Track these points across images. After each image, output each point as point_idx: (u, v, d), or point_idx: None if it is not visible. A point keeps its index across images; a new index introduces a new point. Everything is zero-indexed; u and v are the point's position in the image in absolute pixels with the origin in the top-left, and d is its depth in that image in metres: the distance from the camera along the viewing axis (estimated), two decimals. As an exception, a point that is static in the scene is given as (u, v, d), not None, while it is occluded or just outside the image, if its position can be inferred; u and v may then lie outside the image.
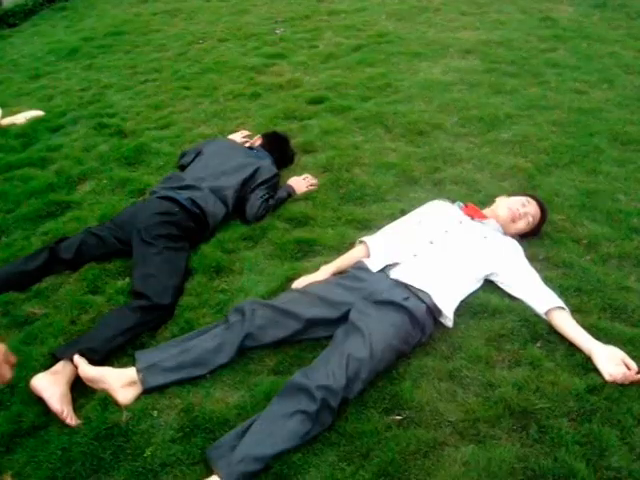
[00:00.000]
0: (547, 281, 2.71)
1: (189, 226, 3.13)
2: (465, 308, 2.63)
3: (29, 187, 3.84)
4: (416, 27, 6.19)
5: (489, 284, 2.77)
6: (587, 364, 2.34)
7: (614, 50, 5.34)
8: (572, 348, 2.42)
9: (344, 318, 2.49)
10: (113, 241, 3.13)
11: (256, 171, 3.47)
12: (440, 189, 3.50)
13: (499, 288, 2.75)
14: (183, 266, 2.98)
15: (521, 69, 5.02)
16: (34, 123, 4.77)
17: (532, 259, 2.84)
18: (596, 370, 2.31)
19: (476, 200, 3.27)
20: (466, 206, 3.02)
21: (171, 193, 3.24)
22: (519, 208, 2.96)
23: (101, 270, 3.06)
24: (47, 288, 2.99)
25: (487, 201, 3.23)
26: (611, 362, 2.31)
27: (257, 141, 3.84)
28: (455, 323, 2.55)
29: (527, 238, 3.01)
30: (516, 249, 2.85)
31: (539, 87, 4.71)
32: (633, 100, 4.46)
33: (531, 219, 2.97)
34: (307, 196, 3.44)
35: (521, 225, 2.95)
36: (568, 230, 3.12)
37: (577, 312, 2.57)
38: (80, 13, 7.97)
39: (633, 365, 2.29)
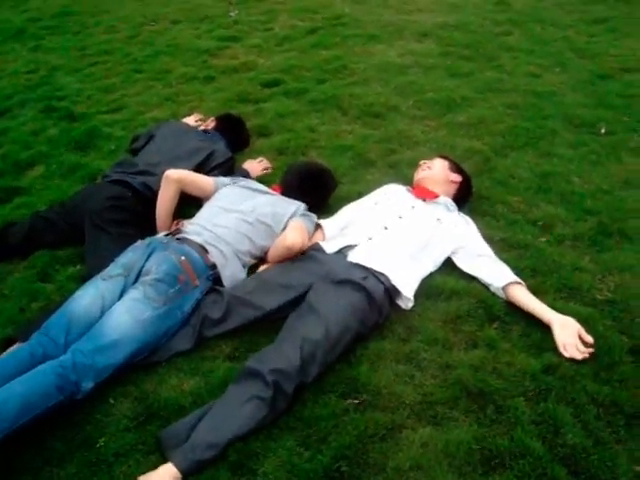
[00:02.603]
0: (504, 262, 2.72)
1: (141, 211, 3.06)
2: (422, 290, 2.62)
3: (-26, 174, 3.71)
4: (372, 9, 6.16)
5: (445, 266, 2.78)
6: (542, 344, 2.36)
7: (567, 34, 5.39)
8: (528, 329, 2.44)
9: (302, 297, 2.47)
10: (63, 225, 3.05)
11: (210, 155, 3.40)
12: (396, 171, 3.48)
13: (456, 269, 2.75)
14: None
15: (476, 52, 5.03)
16: (-22, 107, 4.61)
17: (489, 241, 2.84)
18: (551, 350, 2.32)
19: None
20: (414, 188, 3.03)
21: (124, 177, 3.15)
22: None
23: (51, 257, 2.99)
24: (-5, 276, 2.90)
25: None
26: (566, 331, 2.35)
27: (211, 124, 3.77)
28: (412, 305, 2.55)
29: (465, 201, 3.12)
30: (469, 227, 2.88)
31: (494, 70, 4.72)
32: (585, 84, 4.51)
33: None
34: (262, 179, 3.37)
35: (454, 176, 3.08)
36: (524, 212, 3.14)
37: (533, 293, 2.57)
38: (26, -8, 7.71)
39: (588, 338, 2.32)
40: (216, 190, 2.98)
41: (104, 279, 2.45)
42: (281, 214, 2.83)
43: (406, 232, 2.73)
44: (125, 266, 2.50)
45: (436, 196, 2.94)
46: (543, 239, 2.95)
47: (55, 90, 4.91)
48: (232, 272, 2.66)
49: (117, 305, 2.33)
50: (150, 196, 3.06)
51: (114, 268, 2.50)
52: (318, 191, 3.11)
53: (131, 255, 2.56)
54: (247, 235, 2.75)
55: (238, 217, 2.79)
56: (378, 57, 5.03)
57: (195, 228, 2.75)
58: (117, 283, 2.43)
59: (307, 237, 2.74)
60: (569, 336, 2.33)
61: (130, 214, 3.03)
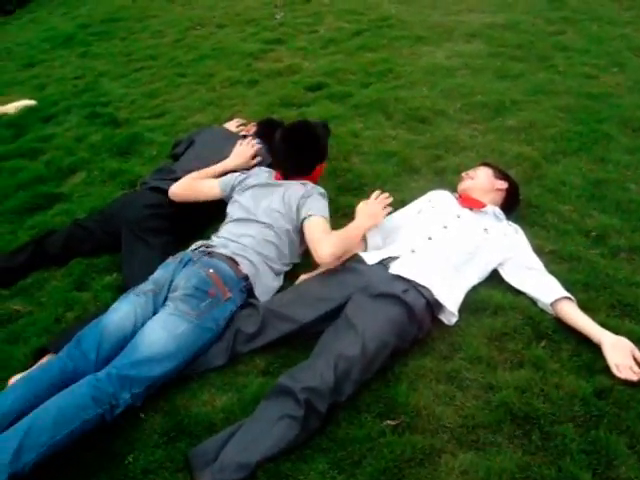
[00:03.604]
0: (553, 275, 2.59)
1: (180, 219, 3.02)
2: (466, 305, 2.50)
3: (17, 179, 3.76)
4: (419, 10, 6.01)
5: (491, 279, 2.64)
6: (594, 365, 2.22)
7: (625, 32, 5.15)
8: (579, 348, 2.30)
9: (340, 309, 2.38)
10: (101, 234, 3.04)
11: None
12: (442, 179, 3.35)
13: (502, 283, 2.62)
14: None
15: (528, 53, 4.83)
16: (26, 113, 4.70)
17: (538, 252, 2.71)
18: (603, 372, 2.18)
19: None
20: (460, 196, 2.91)
21: (163, 184, 3.12)
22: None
23: (88, 265, 2.98)
24: (32, 284, 2.91)
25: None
26: (619, 352, 2.20)
27: (252, 129, 3.71)
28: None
29: (513, 208, 2.96)
30: (518, 237, 2.73)
31: (546, 71, 4.53)
32: (644, 84, 4.28)
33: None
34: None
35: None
36: (576, 221, 2.98)
37: (585, 309, 2.43)
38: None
39: None
40: (222, 192, 2.96)
41: (137, 295, 2.41)
42: (291, 211, 2.73)
43: (451, 243, 2.61)
44: (156, 282, 2.46)
45: (483, 206, 2.81)
46: (596, 251, 2.79)
47: (100, 96, 4.96)
48: (265, 281, 2.61)
49: (150, 322, 2.28)
50: (186, 203, 3.02)
51: (146, 284, 2.47)
52: (308, 143, 2.95)
53: (162, 272, 2.52)
54: (273, 242, 2.68)
55: (260, 225, 2.73)
56: (425, 59, 4.89)
57: (221, 241, 2.69)
58: (149, 299, 2.39)
59: (326, 228, 2.62)
60: (623, 357, 2.19)
61: (168, 222, 3.00)
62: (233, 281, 2.49)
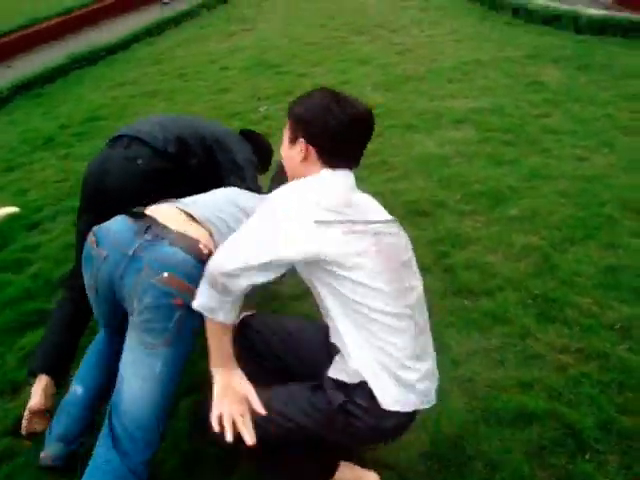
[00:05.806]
0: (584, 377, 2.48)
1: None
2: (498, 416, 2.34)
3: (4, 295, 3.51)
4: (404, 97, 5.99)
5: (520, 383, 2.49)
6: (647, 478, 2.05)
7: (608, 112, 5.17)
8: (627, 459, 2.14)
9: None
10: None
11: None
12: (452, 276, 3.21)
13: (531, 389, 2.46)
14: None
15: (517, 137, 4.81)
16: (9, 220, 4.47)
17: (563, 351, 2.60)
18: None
19: (493, 285, 3.04)
20: None
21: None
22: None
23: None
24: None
25: (504, 286, 3.01)
26: None
27: None
28: (487, 434, 2.27)
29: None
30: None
31: (539, 155, 4.49)
32: (637, 163, 4.25)
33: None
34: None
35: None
36: (597, 314, 2.85)
37: (624, 412, 2.30)
38: (56, 99, 7.76)
39: None
40: None
41: None
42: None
43: None
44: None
45: None
46: (624, 346, 2.65)
47: (86, 200, 4.77)
48: None
49: (124, 372, 1.96)
50: None
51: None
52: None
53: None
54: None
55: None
56: (417, 148, 4.83)
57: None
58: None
59: None
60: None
61: None
62: (197, 272, 1.85)
